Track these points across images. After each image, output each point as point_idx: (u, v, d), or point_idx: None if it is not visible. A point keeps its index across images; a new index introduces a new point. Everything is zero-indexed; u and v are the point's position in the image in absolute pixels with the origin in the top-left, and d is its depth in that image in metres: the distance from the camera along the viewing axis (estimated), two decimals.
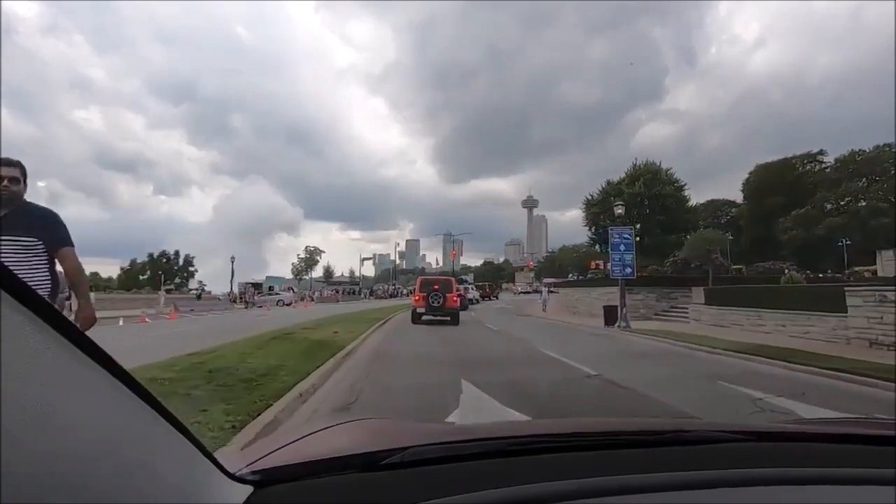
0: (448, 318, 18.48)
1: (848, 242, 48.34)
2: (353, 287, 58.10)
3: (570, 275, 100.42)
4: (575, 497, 0.69)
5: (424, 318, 17.98)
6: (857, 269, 37.66)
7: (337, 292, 52.66)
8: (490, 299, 47.32)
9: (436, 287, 18.90)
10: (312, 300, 46.73)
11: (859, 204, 51.59)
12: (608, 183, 51.29)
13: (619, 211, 16.94)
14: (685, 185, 50.99)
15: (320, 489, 0.71)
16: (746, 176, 64.53)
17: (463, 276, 55.45)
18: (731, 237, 32.19)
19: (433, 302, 18.44)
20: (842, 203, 53.92)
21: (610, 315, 16.76)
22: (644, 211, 49.70)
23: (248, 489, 0.69)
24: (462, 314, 22.44)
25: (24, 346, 0.41)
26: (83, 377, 0.47)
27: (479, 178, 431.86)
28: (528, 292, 70.73)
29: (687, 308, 18.71)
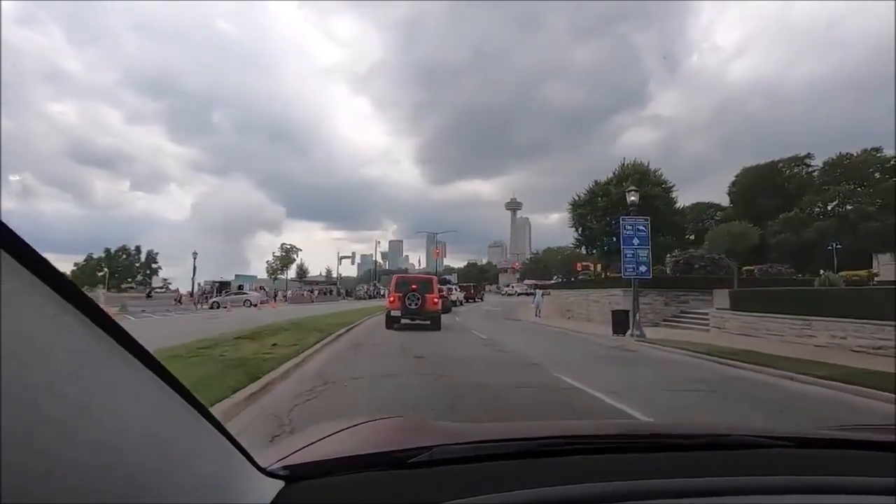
0: (428, 323, 15.48)
1: (839, 246, 47.38)
2: (330, 287, 54.47)
3: (556, 277, 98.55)
4: (604, 501, 0.67)
5: (401, 322, 15.46)
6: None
7: (311, 292, 49.18)
8: (475, 301, 44.26)
9: (414, 287, 15.87)
10: (285, 300, 43.37)
11: (847, 208, 50.81)
12: (595, 183, 49.22)
13: (633, 198, 13.90)
14: (673, 186, 49.16)
15: (349, 486, 0.72)
16: (732, 179, 63.79)
17: (446, 276, 52.21)
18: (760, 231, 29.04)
19: (410, 304, 15.46)
20: (829, 207, 53.08)
21: (620, 322, 13.91)
22: (631, 212, 47.85)
23: (280, 484, 0.70)
24: (445, 318, 19.46)
25: (72, 344, 0.44)
26: (127, 374, 0.50)
27: (463, 180, 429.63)
28: (515, 294, 68.04)
29: (702, 314, 16.01)
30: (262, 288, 45.76)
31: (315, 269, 68.76)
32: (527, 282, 78.75)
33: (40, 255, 0.41)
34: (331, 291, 51.69)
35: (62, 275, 0.42)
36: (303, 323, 15.41)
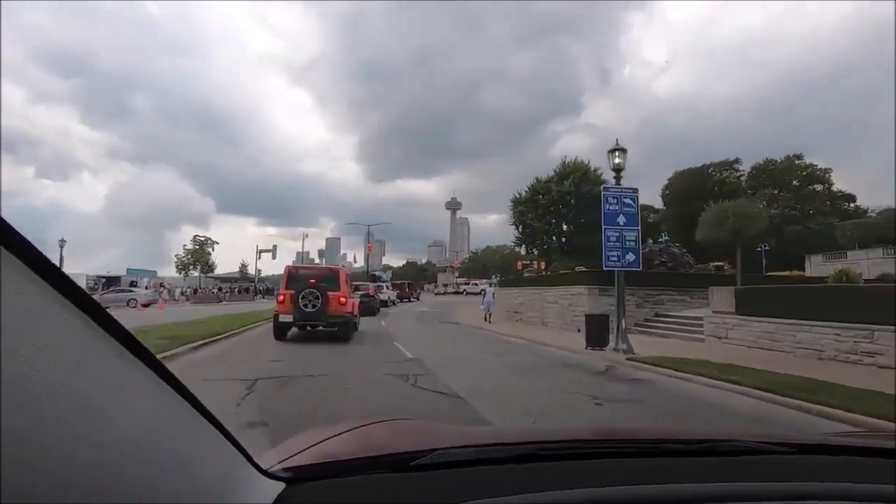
0: (334, 330, 11.00)
1: (767, 248, 48.10)
2: (248, 285, 47.46)
3: (494, 276, 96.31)
4: None
5: (298, 329, 11.49)
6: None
7: (220, 290, 42.19)
8: (410, 300, 39.47)
9: (312, 282, 11.08)
10: (187, 299, 36.57)
11: (772, 211, 52.21)
12: (537, 180, 46.64)
13: (618, 160, 9.81)
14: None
15: (350, 488, 0.70)
16: (665, 182, 64.58)
17: (377, 273, 46.04)
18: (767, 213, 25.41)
19: (307, 305, 10.74)
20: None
21: (597, 331, 9.91)
22: (572, 210, 45.81)
23: (280, 486, 0.68)
24: (367, 323, 14.80)
25: (73, 342, 0.43)
26: (129, 374, 0.49)
27: (404, 178, 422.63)
28: (453, 293, 63.83)
29: (690, 318, 12.52)
30: (161, 285, 38.30)
31: (234, 266, 60.35)
32: (467, 279, 75.38)
33: (39, 252, 0.40)
34: (248, 289, 44.85)
35: (61, 272, 0.42)
36: (157, 331, 10.19)
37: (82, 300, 0.43)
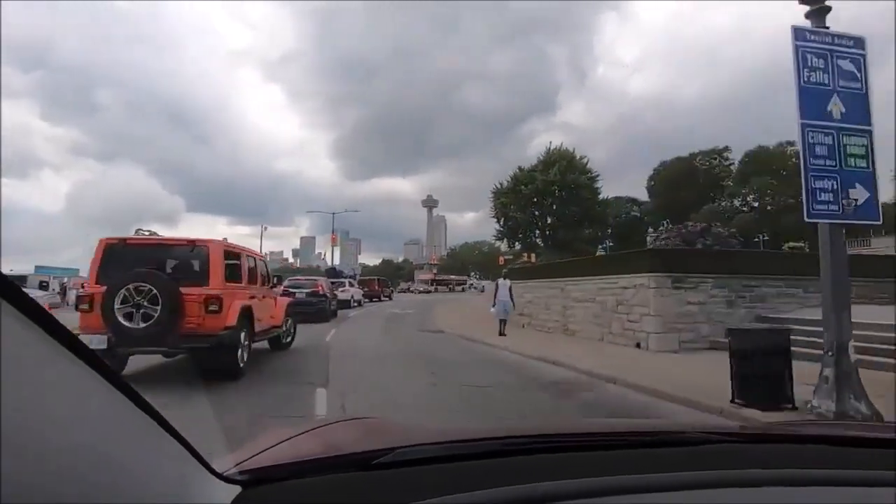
0: (207, 357, 5.54)
1: (766, 238, 44.55)
2: None
3: (473, 273, 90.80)
4: (567, 497, 0.66)
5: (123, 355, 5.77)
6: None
7: None
8: (380, 300, 33.01)
9: (152, 270, 5.27)
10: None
11: (766, 199, 48.66)
12: (519, 170, 41.36)
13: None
14: (598, 175, 42.75)
15: (309, 489, 0.67)
16: (650, 173, 61.14)
17: (337, 267, 35.32)
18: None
19: (133, 315, 4.83)
20: (749, 199, 50.76)
21: (760, 366, 4.33)
22: (557, 201, 40.81)
23: (236, 489, 0.65)
24: (312, 334, 10.55)
25: (14, 346, 0.40)
26: (72, 377, 0.46)
27: (380, 177, 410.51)
28: (432, 291, 57.05)
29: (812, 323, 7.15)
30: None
31: None
32: (429, 276, 69.28)
33: None
34: None
35: (2, 275, 0.39)
36: None
37: (21, 300, 0.39)
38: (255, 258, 7.82)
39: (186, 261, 6.04)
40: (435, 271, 73.73)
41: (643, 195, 61.15)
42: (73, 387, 0.46)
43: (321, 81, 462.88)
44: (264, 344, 7.98)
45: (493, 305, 11.58)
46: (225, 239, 7.90)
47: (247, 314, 6.34)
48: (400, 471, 0.71)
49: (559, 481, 0.68)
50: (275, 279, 8.71)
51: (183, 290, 5.36)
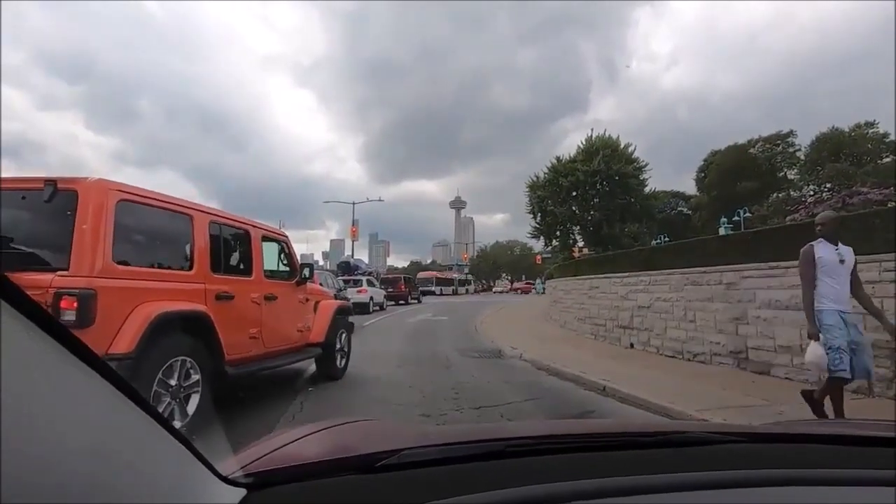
0: None
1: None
2: None
3: (505, 275, 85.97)
4: (572, 498, 0.66)
5: None
6: None
7: None
8: (407, 302, 27.91)
9: None
10: None
11: (852, 189, 41.80)
12: (557, 160, 36.74)
13: None
14: (646, 165, 37.52)
15: (314, 491, 0.67)
16: (700, 164, 55.30)
17: (350, 261, 26.21)
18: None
19: None
20: (824, 187, 43.85)
21: None
22: (600, 194, 35.94)
23: (241, 492, 0.65)
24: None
25: (15, 349, 0.39)
26: (77, 380, 0.46)
27: (408, 179, 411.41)
28: (437, 293, 51.43)
29: None
30: None
31: None
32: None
33: None
34: None
35: (5, 276, 0.39)
36: None
37: (25, 305, 0.39)
38: (246, 229, 4.72)
39: (37, 221, 3.29)
40: (465, 272, 69.38)
41: (681, 190, 55.65)
42: (74, 388, 0.45)
43: (350, 85, 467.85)
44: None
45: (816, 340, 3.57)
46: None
47: (185, 328, 3.58)
48: (405, 472, 0.70)
49: (564, 482, 0.68)
50: (306, 270, 5.59)
51: (18, 275, 2.75)
